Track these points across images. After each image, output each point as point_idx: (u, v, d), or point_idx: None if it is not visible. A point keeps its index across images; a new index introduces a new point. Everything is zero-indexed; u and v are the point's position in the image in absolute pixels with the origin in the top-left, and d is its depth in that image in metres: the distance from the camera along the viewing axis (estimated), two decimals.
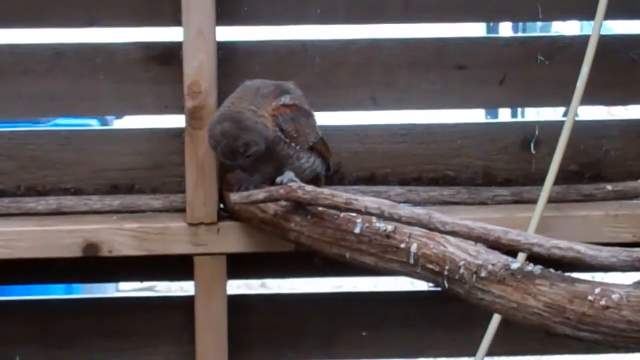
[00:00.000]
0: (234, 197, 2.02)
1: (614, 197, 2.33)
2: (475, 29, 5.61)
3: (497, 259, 1.62)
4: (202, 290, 2.25)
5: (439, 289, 1.71)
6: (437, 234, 1.69)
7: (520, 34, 6.10)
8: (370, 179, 2.38)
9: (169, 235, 2.20)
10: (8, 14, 2.31)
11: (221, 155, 2.04)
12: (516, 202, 2.34)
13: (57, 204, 2.31)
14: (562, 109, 2.85)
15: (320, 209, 1.89)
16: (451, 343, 2.45)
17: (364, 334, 2.46)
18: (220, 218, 2.22)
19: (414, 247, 1.71)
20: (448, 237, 1.68)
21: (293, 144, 2.07)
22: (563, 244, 1.53)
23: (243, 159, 2.02)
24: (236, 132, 1.98)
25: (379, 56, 2.36)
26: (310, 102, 2.16)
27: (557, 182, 2.22)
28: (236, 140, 1.99)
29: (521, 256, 1.86)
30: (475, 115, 4.42)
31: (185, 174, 2.22)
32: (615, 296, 1.46)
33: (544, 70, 2.37)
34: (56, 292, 3.07)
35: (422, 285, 1.84)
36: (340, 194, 1.82)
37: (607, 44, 2.29)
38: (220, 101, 2.17)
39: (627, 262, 1.50)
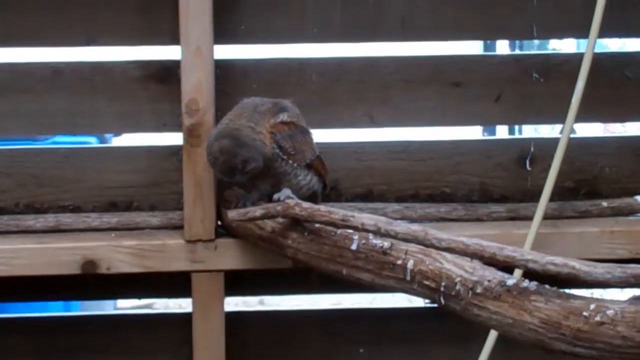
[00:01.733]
0: (232, 214, 2.02)
1: (609, 213, 2.34)
2: (472, 47, 5.63)
3: (493, 275, 1.62)
4: (199, 307, 2.25)
5: (435, 305, 1.72)
6: (433, 250, 1.70)
7: (517, 52, 6.12)
8: (367, 196, 2.39)
9: (167, 252, 2.20)
10: (7, 32, 2.32)
11: (219, 172, 2.05)
12: (512, 218, 2.35)
13: (55, 221, 2.32)
14: (559, 126, 2.86)
15: (317, 225, 1.90)
16: (449, 359, 2.46)
17: (361, 350, 2.46)
18: (218, 235, 2.23)
19: (410, 264, 1.72)
20: (444, 253, 1.69)
21: (290, 161, 2.08)
22: (558, 260, 1.54)
23: (241, 176, 2.02)
24: (234, 149, 1.99)
25: (375, 74, 2.37)
26: (308, 120, 2.17)
27: (552, 198, 2.23)
28: (234, 157, 1.99)
29: (517, 272, 1.87)
30: (473, 133, 4.43)
31: (183, 191, 2.22)
32: (610, 312, 1.47)
33: (540, 87, 2.38)
34: (54, 310, 3.08)
35: (419, 302, 1.85)
36: (337, 211, 1.83)
37: (602, 61, 2.31)
38: (217, 119, 2.18)
39: (622, 278, 1.51)
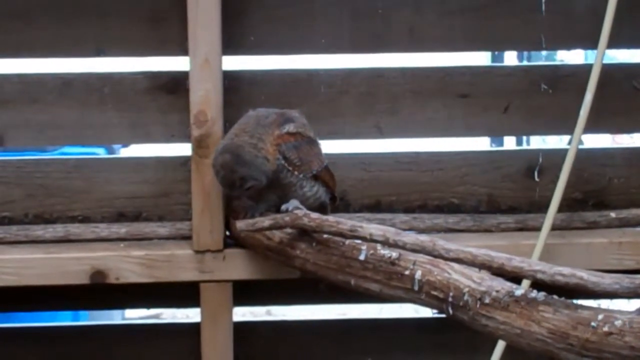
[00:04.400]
0: (240, 224, 2.03)
1: (617, 224, 2.34)
2: (480, 58, 5.63)
3: (501, 285, 1.63)
4: (208, 317, 2.26)
5: (443, 315, 1.72)
6: (441, 260, 1.70)
7: (525, 63, 6.12)
8: (375, 207, 2.39)
9: (176, 263, 2.21)
10: (17, 43, 2.33)
11: (221, 185, 2.07)
12: (520, 229, 2.34)
13: (64, 231, 2.32)
14: (567, 137, 2.87)
15: (325, 236, 1.91)
16: None
17: None
18: (226, 245, 2.23)
19: (418, 274, 1.72)
20: (452, 264, 1.69)
21: (296, 172, 2.08)
22: (566, 270, 1.54)
23: (241, 192, 2.04)
24: (234, 165, 2.01)
25: (383, 85, 2.38)
26: (316, 131, 2.18)
27: (561, 209, 2.23)
28: (233, 173, 2.01)
29: (525, 283, 1.87)
30: (481, 144, 4.42)
31: (191, 201, 2.23)
32: (618, 322, 1.47)
33: (548, 98, 2.39)
34: (63, 319, 3.08)
35: (427, 312, 1.85)
36: (345, 222, 1.83)
37: (610, 72, 2.31)
38: (226, 130, 2.18)
39: (630, 289, 1.51)
